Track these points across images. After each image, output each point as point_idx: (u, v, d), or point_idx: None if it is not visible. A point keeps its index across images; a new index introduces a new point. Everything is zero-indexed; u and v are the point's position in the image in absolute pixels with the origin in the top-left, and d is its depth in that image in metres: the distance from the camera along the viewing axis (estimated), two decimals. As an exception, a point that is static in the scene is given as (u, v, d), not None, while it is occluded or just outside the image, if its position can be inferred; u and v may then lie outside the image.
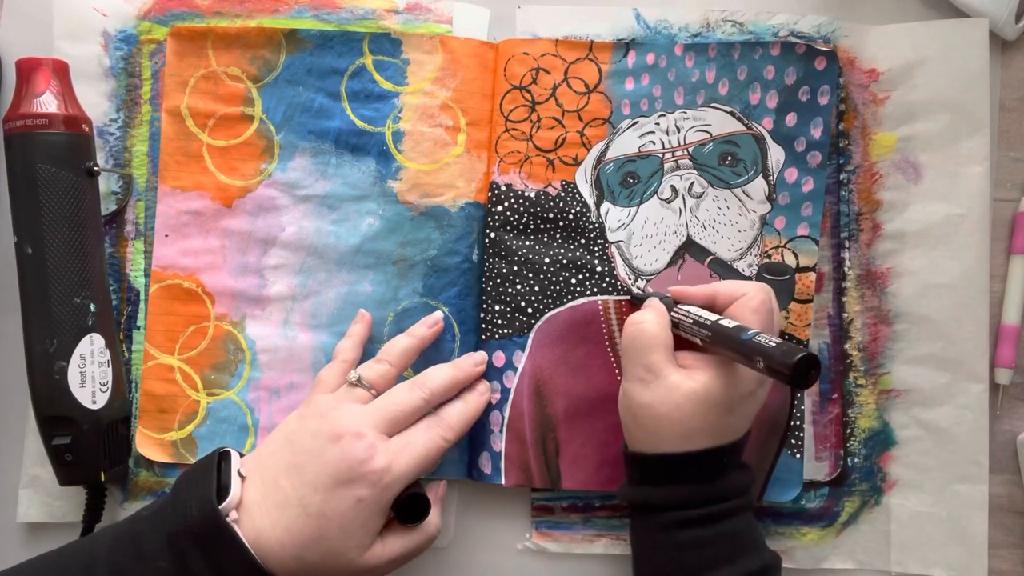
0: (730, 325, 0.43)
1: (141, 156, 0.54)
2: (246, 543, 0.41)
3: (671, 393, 0.43)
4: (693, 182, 0.52)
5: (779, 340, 0.40)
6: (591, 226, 0.53)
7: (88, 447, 0.48)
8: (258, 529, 0.42)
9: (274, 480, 0.44)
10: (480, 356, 0.52)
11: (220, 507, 0.41)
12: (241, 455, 0.46)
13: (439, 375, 0.49)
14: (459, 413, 0.49)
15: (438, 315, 0.52)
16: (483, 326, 0.53)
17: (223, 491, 0.42)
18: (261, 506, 0.43)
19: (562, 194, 0.53)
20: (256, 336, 0.53)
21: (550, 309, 0.53)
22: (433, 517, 0.47)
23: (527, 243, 0.53)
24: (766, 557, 0.44)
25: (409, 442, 0.45)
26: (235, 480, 0.43)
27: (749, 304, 0.44)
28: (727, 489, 0.43)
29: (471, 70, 0.53)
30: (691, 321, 0.45)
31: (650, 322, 0.45)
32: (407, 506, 0.45)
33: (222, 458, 0.45)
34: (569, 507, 0.53)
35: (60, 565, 0.42)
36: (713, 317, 0.44)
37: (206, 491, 0.42)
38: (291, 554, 0.42)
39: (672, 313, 0.47)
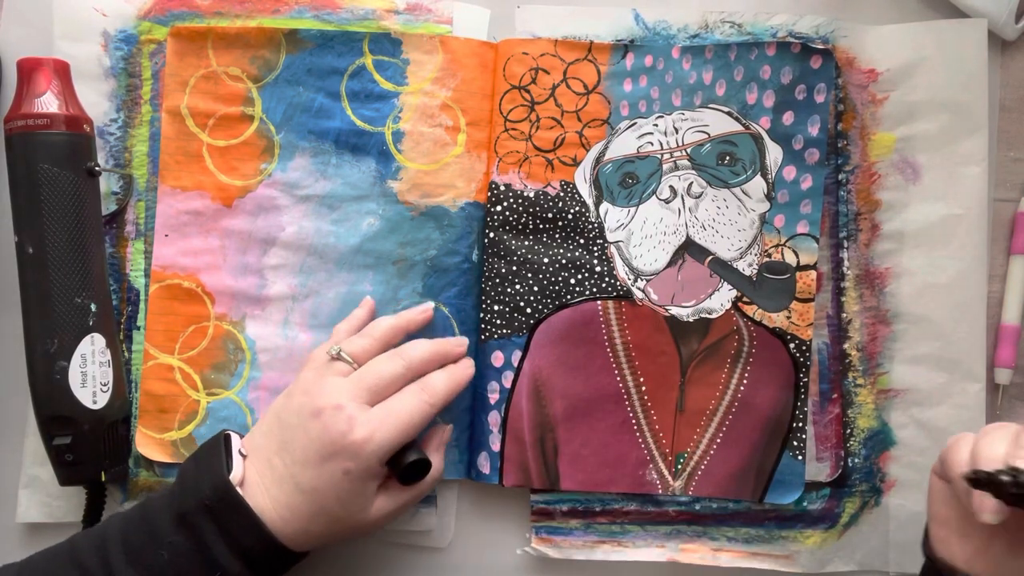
0: None
1: (141, 156, 0.54)
2: (257, 514, 0.42)
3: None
4: (692, 182, 0.52)
5: None
6: (590, 226, 0.53)
7: (88, 447, 0.48)
8: (260, 506, 0.43)
9: (267, 460, 0.45)
10: (462, 339, 0.51)
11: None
12: (241, 437, 0.47)
13: (419, 344, 0.48)
14: (443, 381, 0.48)
15: (429, 305, 0.52)
16: (482, 326, 0.53)
17: (227, 470, 0.43)
18: (260, 485, 0.44)
19: (561, 194, 0.53)
20: (256, 336, 0.53)
21: (549, 309, 0.53)
22: (436, 461, 0.48)
23: (526, 243, 0.53)
24: None
25: (391, 409, 0.45)
26: (237, 459, 0.44)
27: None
28: None
29: (471, 70, 0.54)
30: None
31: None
32: (407, 472, 0.46)
33: (225, 440, 0.45)
34: (569, 512, 0.53)
35: (71, 551, 0.43)
36: None
37: (216, 467, 0.43)
38: (296, 528, 0.43)
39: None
